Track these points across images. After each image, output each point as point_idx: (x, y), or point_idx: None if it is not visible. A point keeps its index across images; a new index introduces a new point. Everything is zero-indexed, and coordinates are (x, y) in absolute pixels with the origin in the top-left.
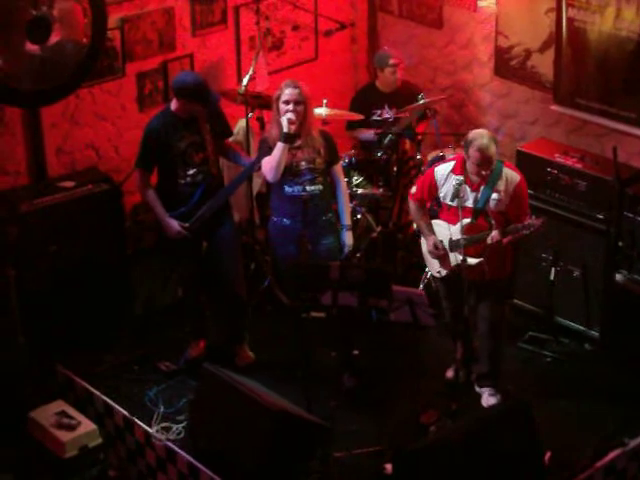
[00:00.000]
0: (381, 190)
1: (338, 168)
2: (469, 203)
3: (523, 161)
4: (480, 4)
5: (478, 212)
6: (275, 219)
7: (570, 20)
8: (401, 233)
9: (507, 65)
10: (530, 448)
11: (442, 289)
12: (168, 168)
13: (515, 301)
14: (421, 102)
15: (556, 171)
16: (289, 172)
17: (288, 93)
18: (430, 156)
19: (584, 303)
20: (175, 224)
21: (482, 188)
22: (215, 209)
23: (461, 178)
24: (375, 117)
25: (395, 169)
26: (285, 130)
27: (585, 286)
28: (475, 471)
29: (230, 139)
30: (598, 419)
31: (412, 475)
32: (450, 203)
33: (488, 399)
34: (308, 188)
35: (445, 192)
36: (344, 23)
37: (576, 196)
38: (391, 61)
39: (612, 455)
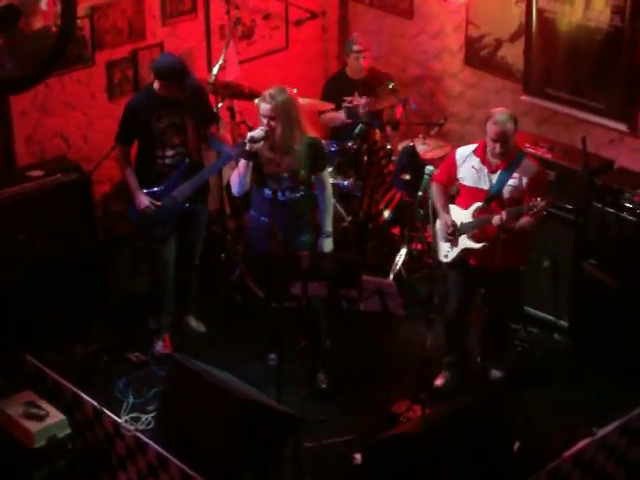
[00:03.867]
0: (351, 180)
1: (324, 175)
2: (484, 186)
3: None
4: None
5: (492, 197)
6: (253, 213)
7: (540, 10)
8: (371, 223)
9: (477, 55)
10: (499, 438)
11: (451, 277)
12: (147, 146)
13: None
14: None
15: None
16: (270, 178)
17: (262, 108)
18: (400, 146)
19: (553, 293)
20: (145, 199)
21: (499, 172)
22: (188, 194)
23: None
24: (346, 104)
25: (365, 159)
26: (247, 148)
27: (554, 276)
28: (444, 461)
29: None
30: (567, 409)
31: (381, 465)
32: (467, 184)
33: (494, 373)
34: (288, 194)
35: (464, 173)
36: (315, 12)
37: None
38: (355, 47)
39: (580, 444)
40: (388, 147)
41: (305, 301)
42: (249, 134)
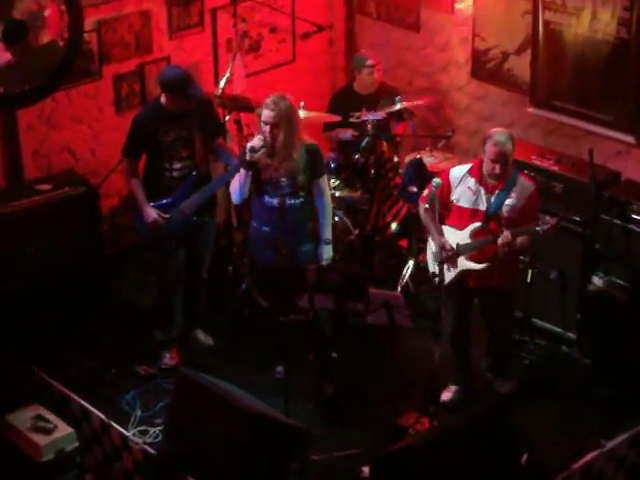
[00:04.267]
0: (359, 193)
1: (322, 181)
2: (482, 207)
3: None
4: (457, 6)
5: (490, 217)
6: (255, 225)
7: (546, 23)
8: (379, 235)
9: (484, 67)
10: (507, 450)
11: (446, 298)
12: (154, 159)
13: None
14: (398, 105)
15: (533, 173)
16: (269, 184)
17: (265, 114)
18: (407, 158)
19: (561, 305)
20: (153, 212)
21: (497, 192)
22: (195, 207)
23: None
24: (353, 119)
25: (372, 171)
26: (247, 158)
27: (562, 288)
28: (452, 473)
29: None
30: (575, 421)
31: (389, 478)
32: (463, 206)
33: (502, 386)
34: (288, 201)
35: (459, 194)
36: (322, 25)
37: (553, 198)
38: (368, 62)
39: (589, 456)
40: (395, 160)
41: (312, 314)
42: (249, 144)
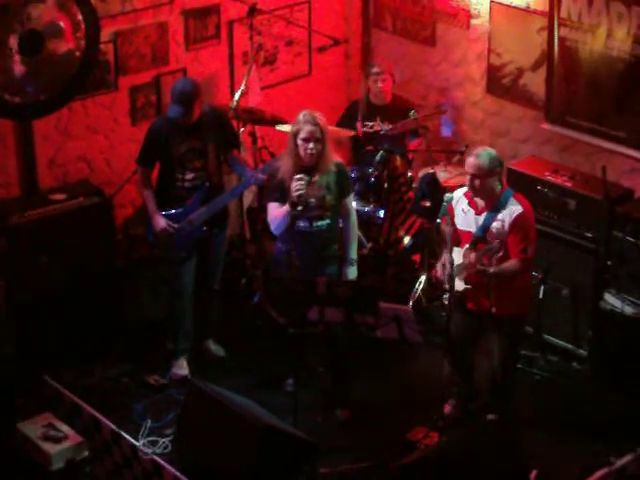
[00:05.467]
0: (372, 206)
1: (349, 200)
2: (472, 229)
3: (513, 179)
4: (473, 22)
5: (477, 239)
6: (280, 245)
7: (562, 39)
8: (392, 249)
9: (499, 83)
10: (516, 466)
11: (453, 315)
12: (167, 169)
13: None
14: (412, 118)
15: (546, 189)
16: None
17: (308, 130)
18: (421, 173)
19: (573, 321)
20: (163, 221)
21: (485, 214)
22: (205, 218)
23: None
24: (366, 129)
25: (386, 185)
26: (294, 200)
27: (574, 304)
28: None
29: None
30: (585, 438)
31: None
32: (460, 228)
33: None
34: (315, 223)
35: (456, 216)
36: (338, 39)
37: (566, 214)
38: (374, 69)
39: (599, 474)
40: (409, 174)
41: (323, 327)
42: (297, 192)
